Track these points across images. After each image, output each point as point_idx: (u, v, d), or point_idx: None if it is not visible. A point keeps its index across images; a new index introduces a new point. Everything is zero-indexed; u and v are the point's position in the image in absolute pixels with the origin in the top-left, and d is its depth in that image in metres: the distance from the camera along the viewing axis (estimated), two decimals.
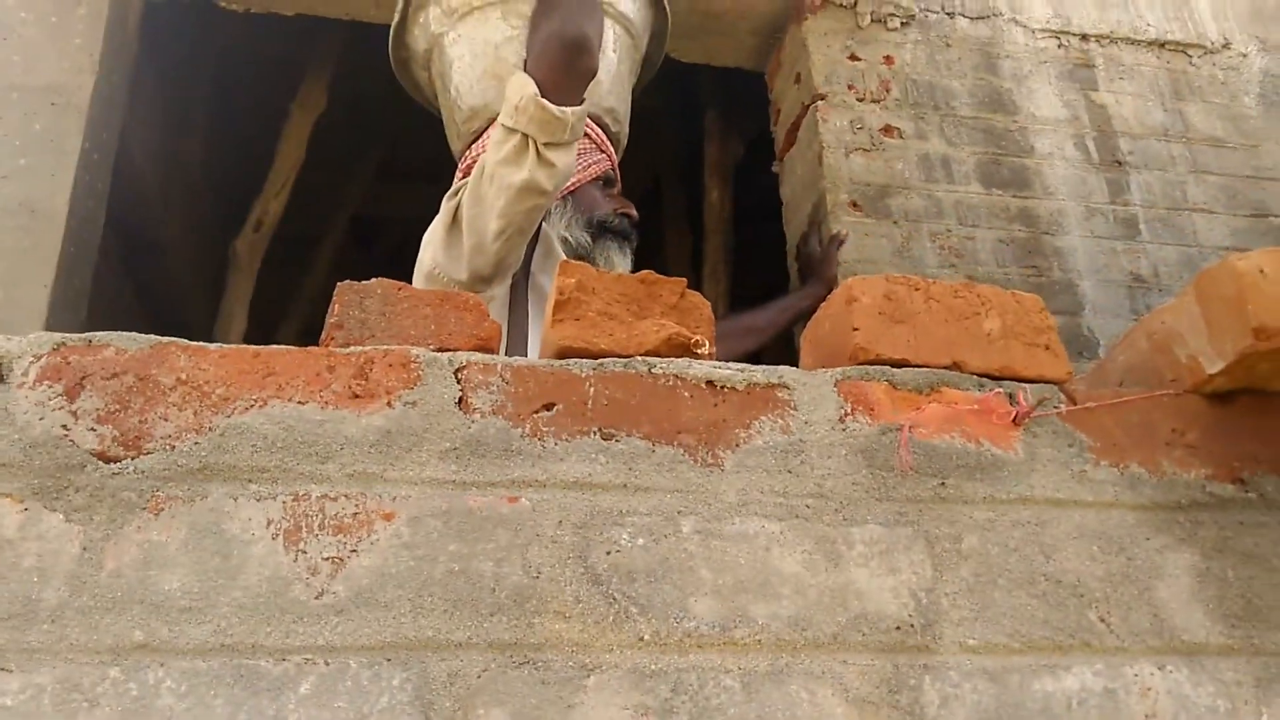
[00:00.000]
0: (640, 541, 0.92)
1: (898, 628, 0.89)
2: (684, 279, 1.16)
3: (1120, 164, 2.51)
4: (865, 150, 2.56)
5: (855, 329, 1.08)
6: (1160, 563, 0.94)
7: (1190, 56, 2.65)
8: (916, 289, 1.10)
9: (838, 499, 0.96)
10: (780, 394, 1.02)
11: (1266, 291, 0.94)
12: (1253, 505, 0.97)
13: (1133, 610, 0.91)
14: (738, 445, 0.98)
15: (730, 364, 1.05)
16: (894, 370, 1.04)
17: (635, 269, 1.72)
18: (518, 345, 1.93)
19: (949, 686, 0.86)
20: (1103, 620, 0.91)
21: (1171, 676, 0.89)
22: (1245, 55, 2.67)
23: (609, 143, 2.18)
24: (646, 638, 0.86)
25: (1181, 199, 2.50)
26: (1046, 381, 1.02)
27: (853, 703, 0.84)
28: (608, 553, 0.90)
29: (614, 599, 0.88)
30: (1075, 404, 1.00)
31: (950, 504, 0.96)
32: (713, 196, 3.50)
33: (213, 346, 0.97)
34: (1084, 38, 2.64)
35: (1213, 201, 2.49)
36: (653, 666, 0.85)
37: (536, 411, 0.99)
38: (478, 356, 1.03)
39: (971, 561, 0.93)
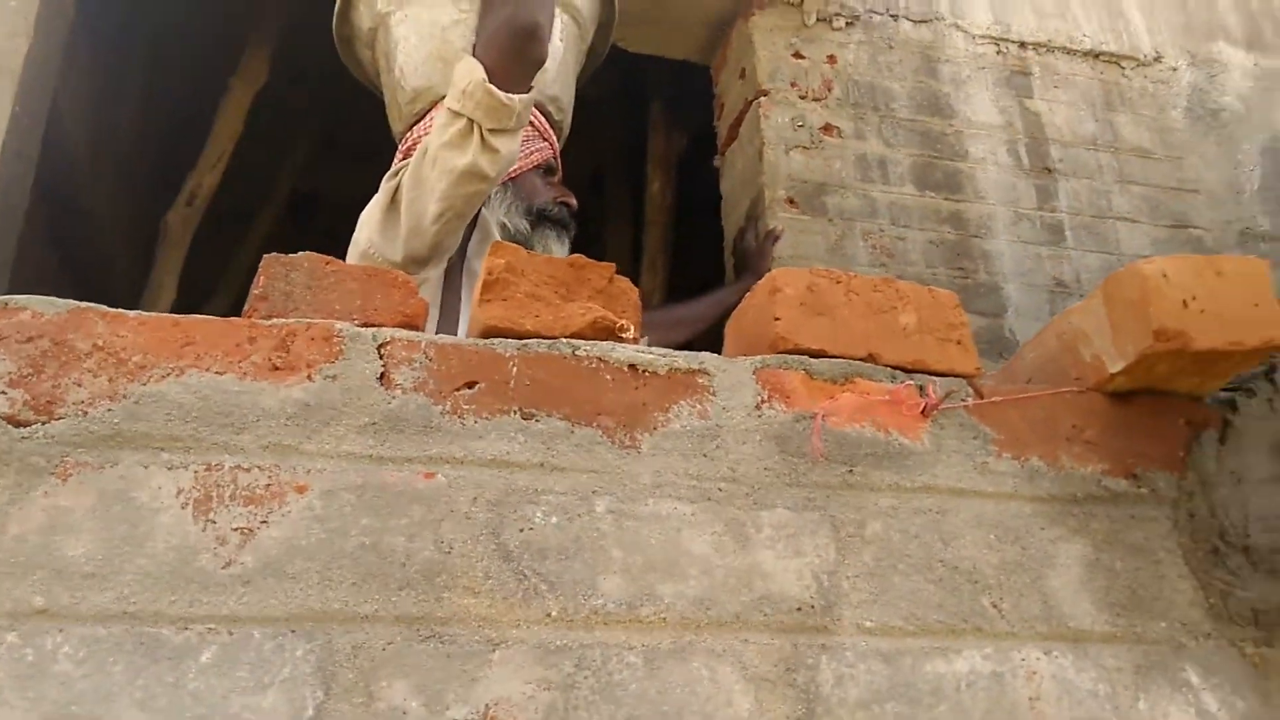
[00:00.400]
0: (554, 520, 0.93)
1: (799, 609, 0.91)
2: (613, 264, 1.18)
3: (1050, 171, 2.58)
4: (805, 148, 2.59)
5: (777, 319, 1.10)
6: (1053, 553, 0.97)
7: (1123, 68, 2.72)
8: (838, 282, 1.13)
9: (749, 483, 0.98)
10: (700, 379, 1.04)
11: (1168, 295, 0.98)
12: (1144, 500, 1.01)
13: (1024, 597, 0.95)
14: (656, 428, 1.00)
15: (654, 349, 1.07)
16: (812, 360, 1.07)
17: None
18: (449, 329, 1.93)
19: (844, 666, 0.88)
20: (995, 606, 0.94)
21: (1057, 661, 0.93)
22: (1175, 69, 2.75)
23: (551, 131, 2.19)
24: (554, 614, 0.88)
25: (1106, 207, 2.57)
26: (957, 375, 1.05)
27: (751, 680, 0.87)
28: (520, 530, 0.92)
29: (524, 576, 0.89)
30: (983, 398, 1.03)
31: (857, 491, 0.99)
32: (654, 188, 3.52)
33: (131, 314, 0.97)
34: (1022, 45, 2.70)
35: (1136, 211, 2.56)
36: (558, 642, 0.86)
37: (458, 389, 1.00)
38: (402, 333, 1.03)
39: (874, 546, 0.95)
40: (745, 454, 1.00)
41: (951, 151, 2.61)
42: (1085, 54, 2.73)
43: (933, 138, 2.62)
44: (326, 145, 4.12)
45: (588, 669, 0.85)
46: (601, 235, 3.99)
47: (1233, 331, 0.97)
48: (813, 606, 0.91)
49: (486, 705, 0.83)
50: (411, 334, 1.04)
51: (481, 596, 0.88)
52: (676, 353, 1.06)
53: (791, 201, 2.54)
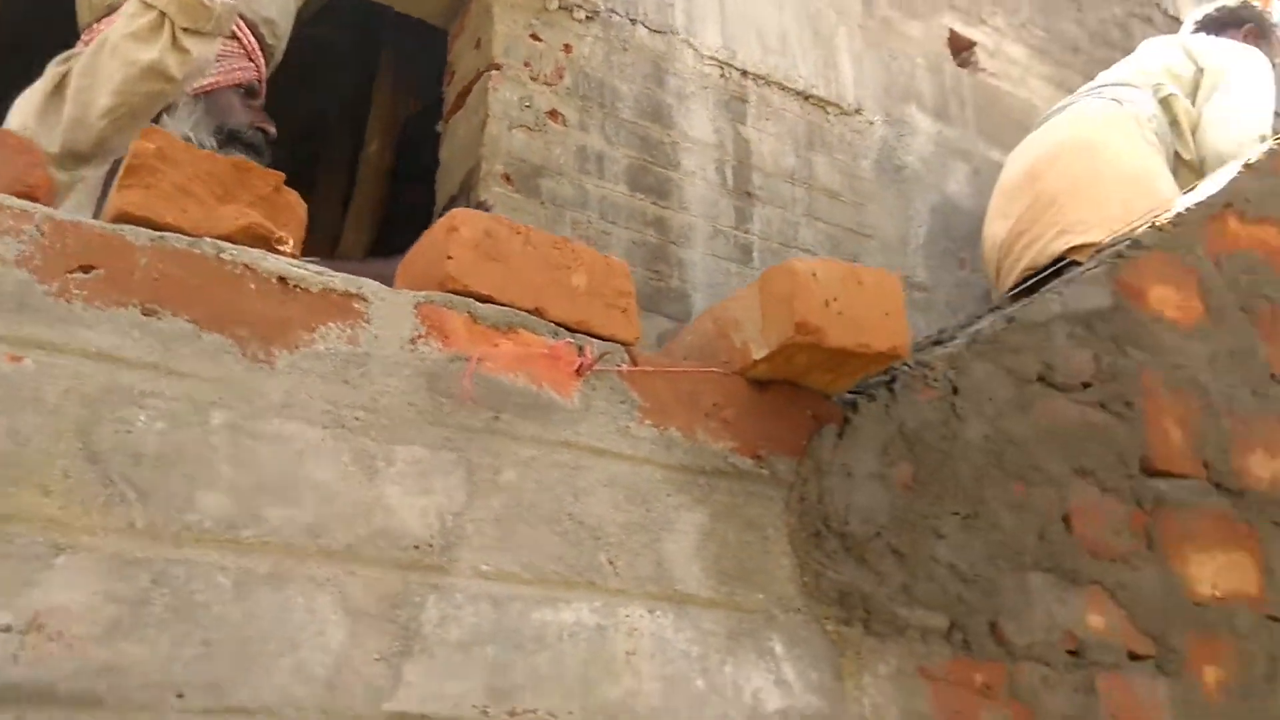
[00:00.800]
0: (158, 426, 0.84)
1: (416, 547, 0.88)
2: (282, 174, 1.10)
3: (750, 195, 2.73)
4: (529, 129, 2.59)
5: (450, 257, 1.07)
6: (674, 519, 1.01)
7: (828, 113, 2.94)
8: (518, 233, 1.12)
9: (390, 416, 0.94)
10: (356, 304, 0.99)
11: (814, 293, 1.04)
12: (764, 480, 1.07)
13: (640, 557, 0.97)
14: (297, 347, 0.94)
15: (311, 265, 1.01)
16: (478, 304, 1.04)
17: None
18: None
19: (452, 607, 0.86)
20: (611, 563, 0.96)
21: (659, 621, 0.96)
22: (872, 123, 3.01)
23: (261, 54, 2.06)
24: (139, 525, 0.79)
25: (793, 237, 2.75)
26: (617, 342, 1.07)
27: (350, 613, 0.82)
28: (116, 432, 0.82)
29: (111, 480, 0.80)
30: (636, 366, 1.05)
31: (499, 438, 0.97)
32: (373, 147, 3.39)
33: None
34: (744, 74, 2.84)
35: (818, 245, 2.76)
36: (138, 554, 0.78)
37: (72, 271, 0.89)
38: (14, 201, 0.91)
39: (505, 494, 0.94)
40: (390, 386, 0.96)
41: (666, 160, 2.69)
42: (798, 93, 2.92)
43: (651, 143, 2.70)
44: None
45: (166, 586, 0.78)
46: (314, 186, 3.78)
47: (864, 335, 1.05)
48: (431, 546, 0.89)
49: (37, 612, 0.73)
50: (24, 203, 0.91)
51: (54, 497, 0.78)
52: (334, 273, 1.00)
53: (508, 179, 2.52)
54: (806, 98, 2.93)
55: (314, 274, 0.98)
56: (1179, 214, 1.54)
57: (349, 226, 3.27)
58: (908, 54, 3.18)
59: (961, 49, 3.31)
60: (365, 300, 0.99)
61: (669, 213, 2.67)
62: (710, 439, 1.06)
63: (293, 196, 1.09)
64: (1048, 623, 1.19)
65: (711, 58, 2.83)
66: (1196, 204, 1.58)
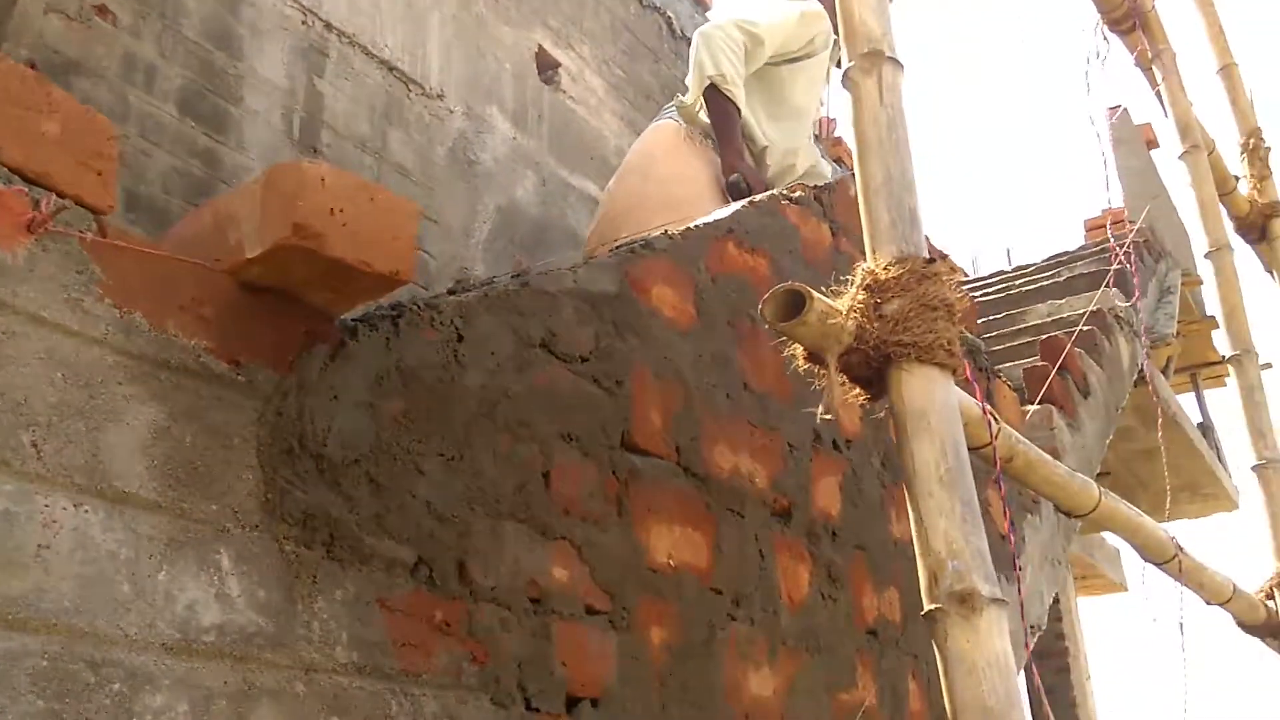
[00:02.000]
0: None
1: None
2: None
3: (317, 151, 2.62)
4: (69, 17, 2.28)
5: None
6: (123, 410, 0.91)
7: (410, 90, 2.91)
8: None
9: None
10: None
11: (319, 199, 1.00)
12: (237, 387, 1.01)
13: (73, 445, 0.86)
14: None
15: None
16: None
17: None
18: None
19: None
20: (35, 446, 0.84)
21: (84, 516, 0.85)
22: (453, 112, 3.03)
23: None
24: None
25: None
26: (86, 206, 0.95)
27: None
28: None
29: None
30: (105, 237, 0.94)
31: None
32: None
33: None
34: (329, 26, 2.73)
35: None
36: None
37: None
38: None
39: None
40: None
41: (228, 92, 2.51)
42: (382, 61, 2.87)
43: (214, 70, 2.50)
44: None
45: None
46: None
47: (368, 252, 1.02)
48: None
49: None
50: None
51: None
52: None
53: (33, 67, 2.20)
54: (391, 69, 2.89)
55: None
56: (689, 229, 1.70)
57: None
58: (497, 56, 3.25)
59: (548, 67, 3.46)
60: None
61: (223, 149, 2.48)
62: (183, 334, 0.97)
63: None
64: (514, 569, 1.24)
65: (295, 1, 2.69)
66: (707, 224, 1.77)
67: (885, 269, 1.18)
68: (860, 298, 1.20)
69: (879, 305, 1.19)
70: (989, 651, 1.06)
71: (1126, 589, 5.56)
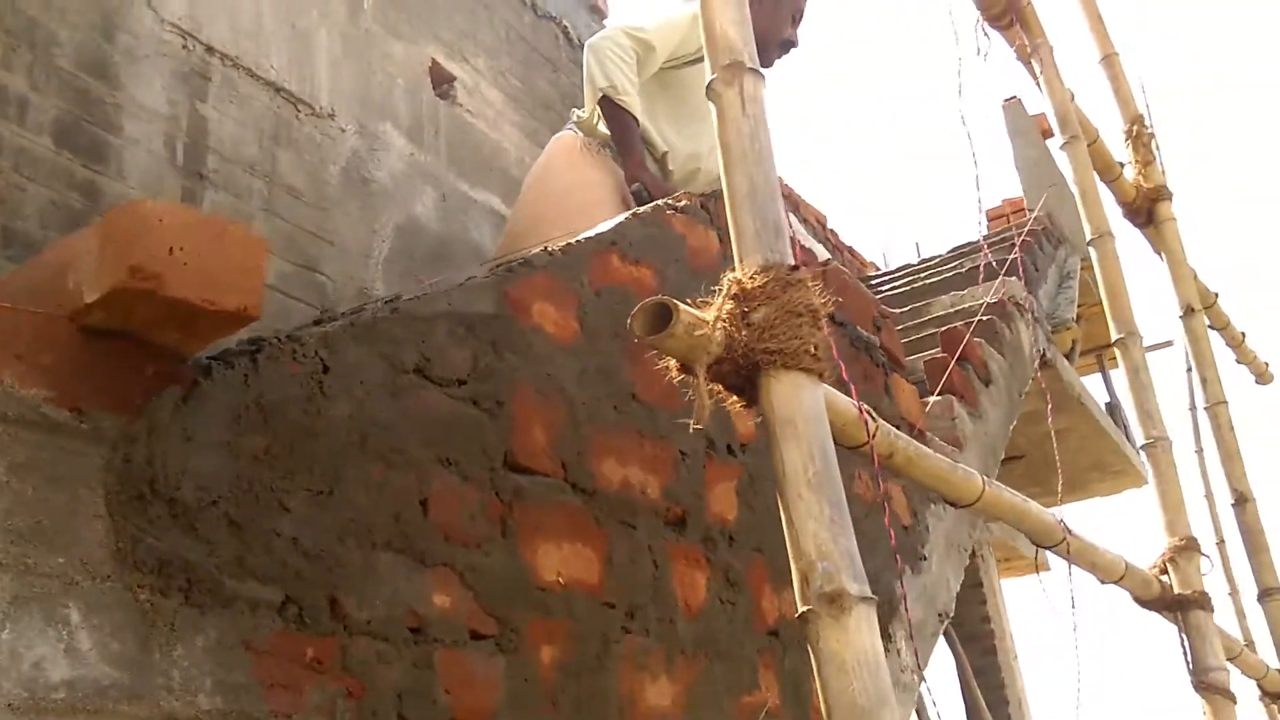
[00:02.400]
0: None
1: None
2: None
3: (203, 177, 2.57)
4: None
5: None
6: None
7: (299, 111, 2.87)
8: None
9: None
10: None
11: (158, 237, 0.98)
12: (81, 435, 0.99)
13: None
14: None
15: None
16: None
17: None
18: None
19: None
20: None
21: None
22: (345, 130, 2.99)
23: None
24: None
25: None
26: None
27: None
28: None
29: None
30: None
31: None
32: None
33: None
34: (210, 50, 2.69)
35: (275, 241, 2.68)
36: None
37: None
38: None
39: None
40: None
41: (106, 122, 2.45)
42: (268, 83, 2.82)
43: (91, 100, 2.44)
44: None
45: None
46: None
47: (211, 290, 1.01)
48: None
49: None
50: None
51: None
52: None
53: None
54: (278, 90, 2.85)
55: None
56: (570, 244, 1.71)
57: None
58: (389, 72, 3.22)
59: (442, 81, 3.44)
60: None
61: (104, 180, 2.42)
62: (19, 384, 0.95)
63: None
64: (392, 600, 1.23)
65: (174, 25, 2.64)
66: (588, 238, 1.77)
67: (751, 278, 1.20)
68: (728, 307, 1.21)
69: (746, 314, 1.20)
70: (858, 650, 1.08)
71: (1050, 568, 5.72)
